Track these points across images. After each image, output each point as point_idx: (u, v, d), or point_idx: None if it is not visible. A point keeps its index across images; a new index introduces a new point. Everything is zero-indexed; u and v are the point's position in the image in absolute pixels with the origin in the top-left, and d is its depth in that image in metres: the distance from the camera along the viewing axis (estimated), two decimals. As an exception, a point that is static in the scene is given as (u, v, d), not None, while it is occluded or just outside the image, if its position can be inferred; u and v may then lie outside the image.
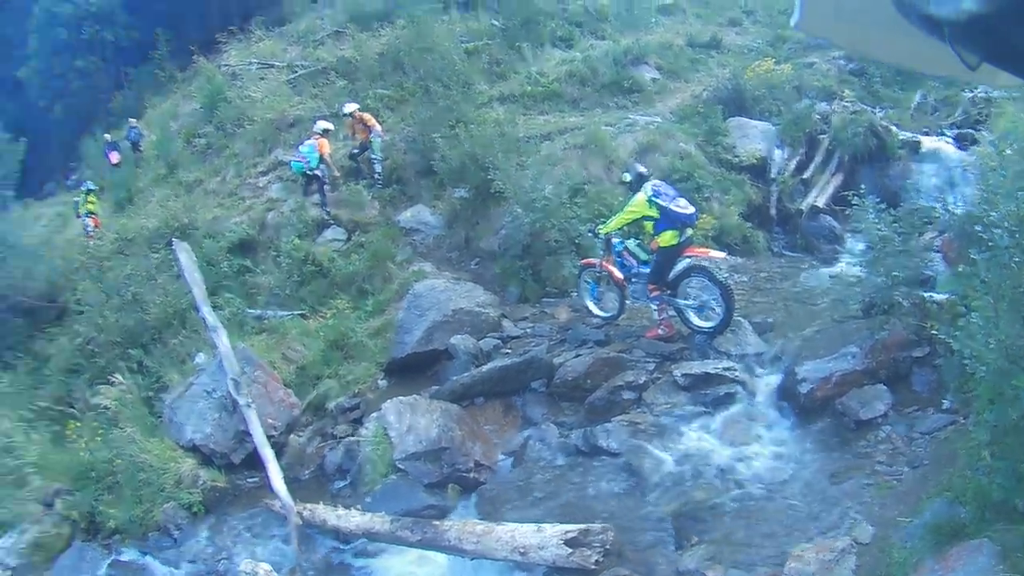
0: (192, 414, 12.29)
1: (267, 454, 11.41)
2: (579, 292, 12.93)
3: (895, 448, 8.88)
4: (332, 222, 17.34)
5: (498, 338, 13.00)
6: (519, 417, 11.60)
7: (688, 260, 11.30)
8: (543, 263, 14.22)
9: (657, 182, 11.30)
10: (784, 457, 9.66)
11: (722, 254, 12.19)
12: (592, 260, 12.39)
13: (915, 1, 1.36)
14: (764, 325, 11.85)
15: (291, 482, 11.40)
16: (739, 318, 11.77)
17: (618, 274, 11.95)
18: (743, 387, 10.77)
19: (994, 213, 6.03)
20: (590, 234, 12.52)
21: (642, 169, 11.61)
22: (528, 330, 13.19)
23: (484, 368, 11.91)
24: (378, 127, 18.06)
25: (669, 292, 11.50)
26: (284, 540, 10.63)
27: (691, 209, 11.02)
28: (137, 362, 14.18)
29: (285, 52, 26.48)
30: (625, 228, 11.75)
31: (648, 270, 11.53)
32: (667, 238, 11.04)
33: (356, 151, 18.12)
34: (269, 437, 11.74)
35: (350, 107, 18.54)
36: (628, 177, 11.54)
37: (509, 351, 12.57)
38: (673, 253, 11.16)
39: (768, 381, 10.87)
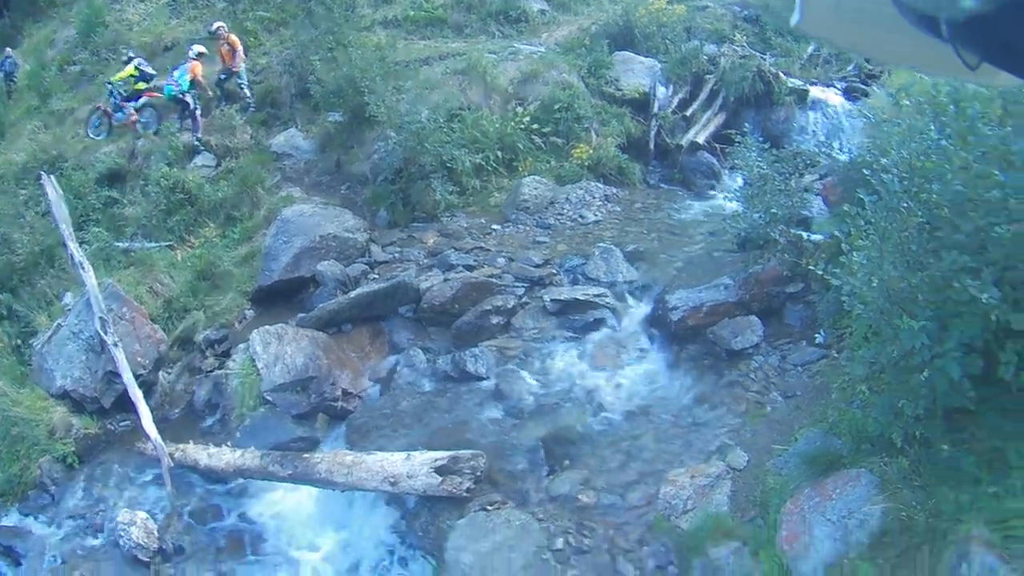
0: (61, 358, 11.70)
1: (136, 395, 10.96)
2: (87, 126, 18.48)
3: (767, 378, 9.00)
4: (202, 148, 16.72)
5: (366, 263, 12.70)
6: (386, 343, 11.40)
7: (145, 99, 17.77)
8: (414, 187, 13.95)
9: (141, 60, 18.12)
10: (655, 383, 9.71)
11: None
12: (99, 104, 18.33)
13: (915, 1, 1.37)
14: (636, 254, 11.85)
15: (162, 422, 11.01)
16: (610, 246, 11.80)
17: (110, 109, 17.96)
18: (613, 313, 10.78)
19: (884, 159, 6.04)
20: (107, 84, 18.13)
21: (132, 55, 18.49)
22: (396, 255, 12.93)
23: (351, 294, 11.61)
24: (240, 51, 17.45)
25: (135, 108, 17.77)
26: (159, 484, 10.24)
27: (153, 71, 18.02)
28: (6, 307, 13.54)
29: (167, -27, 25.17)
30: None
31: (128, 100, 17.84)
32: (140, 85, 17.66)
33: (223, 76, 17.54)
34: (137, 376, 11.28)
35: (216, 25, 17.91)
36: (131, 54, 18.54)
37: (377, 276, 12.29)
38: (140, 92, 17.74)
39: (639, 308, 10.88)
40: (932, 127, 5.77)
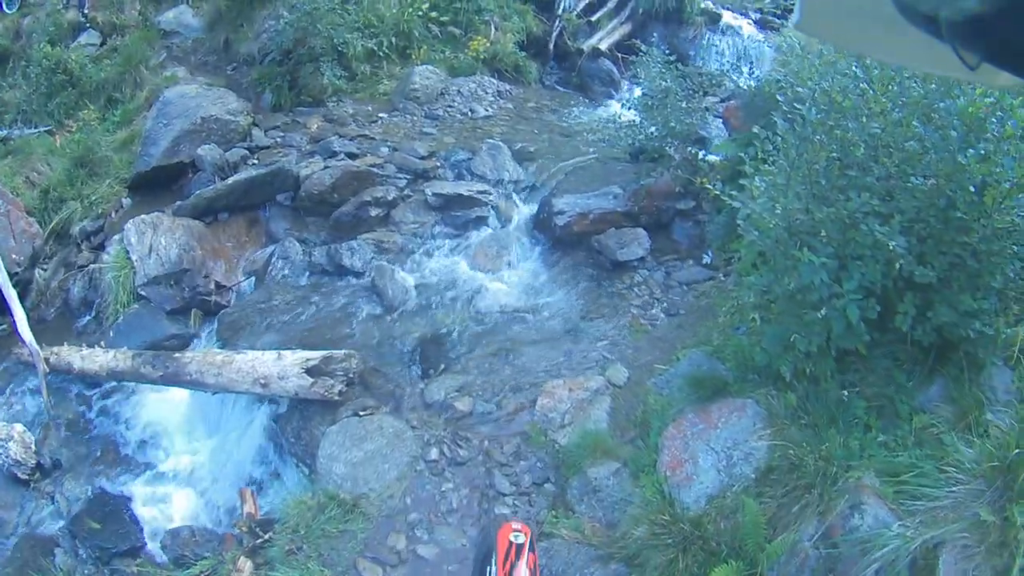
0: (-65, 266, 10.33)
1: (11, 296, 9.68)
2: None
3: (651, 294, 8.60)
4: (88, 25, 15.06)
5: (247, 148, 11.50)
6: (263, 233, 10.41)
7: None
8: (302, 70, 12.84)
9: None
10: (536, 289, 9.12)
11: None
12: None
13: (915, 1, 1.25)
14: (525, 153, 11.03)
15: (38, 324, 9.80)
16: (499, 143, 10.97)
17: None
18: (497, 212, 10.08)
19: (801, 89, 5.77)
20: None
21: None
22: (279, 139, 11.79)
23: (229, 180, 10.48)
24: None
25: None
26: (37, 393, 9.09)
27: None
28: None
29: None
30: None
31: None
32: None
33: None
34: (13, 275, 10.00)
35: None
36: None
37: (256, 162, 11.15)
38: None
39: (524, 209, 10.23)
40: (855, 67, 5.27)
